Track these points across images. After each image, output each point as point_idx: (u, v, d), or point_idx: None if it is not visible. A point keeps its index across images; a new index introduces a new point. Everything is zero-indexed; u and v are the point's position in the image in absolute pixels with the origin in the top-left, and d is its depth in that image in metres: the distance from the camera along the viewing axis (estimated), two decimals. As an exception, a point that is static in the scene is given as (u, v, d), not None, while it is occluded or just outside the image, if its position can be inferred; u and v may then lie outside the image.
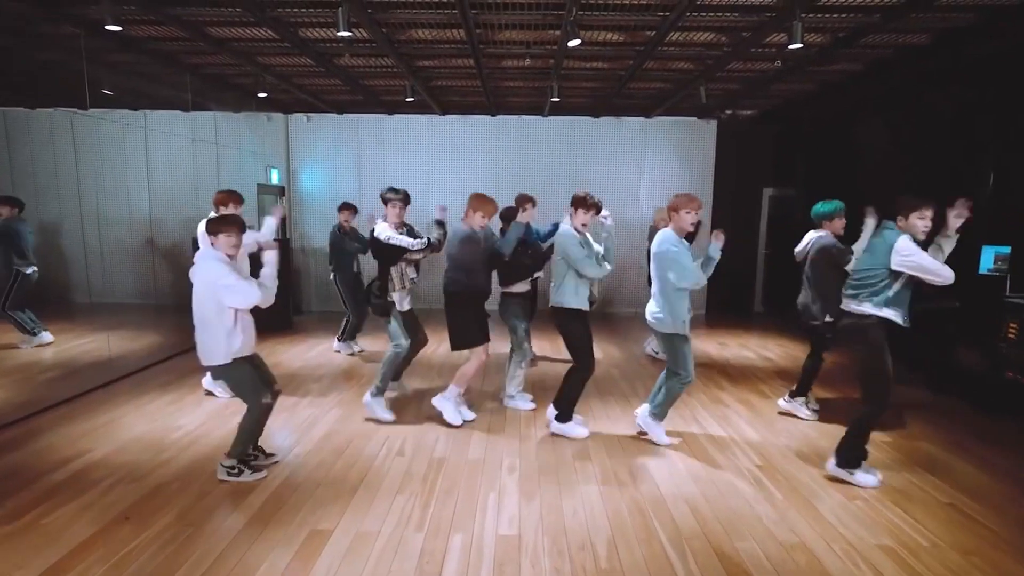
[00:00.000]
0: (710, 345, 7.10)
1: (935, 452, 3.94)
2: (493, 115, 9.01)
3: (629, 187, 9.18)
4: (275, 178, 8.92)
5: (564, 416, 4.09)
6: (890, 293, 3.27)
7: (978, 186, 5.17)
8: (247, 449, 3.52)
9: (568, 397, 4.07)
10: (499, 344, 4.96)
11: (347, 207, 6.19)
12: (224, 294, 3.24)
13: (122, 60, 6.19)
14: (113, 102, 8.51)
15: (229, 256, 3.33)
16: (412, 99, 6.95)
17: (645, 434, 4.08)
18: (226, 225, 3.32)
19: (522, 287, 4.65)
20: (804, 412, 4.53)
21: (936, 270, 3.17)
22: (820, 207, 4.49)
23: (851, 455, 3.44)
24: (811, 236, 4.55)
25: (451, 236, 4.20)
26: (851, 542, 2.85)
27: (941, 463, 3.77)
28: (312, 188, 9.27)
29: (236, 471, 3.44)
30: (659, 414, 4.00)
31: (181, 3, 4.62)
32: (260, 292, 3.28)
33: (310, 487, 3.34)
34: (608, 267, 3.99)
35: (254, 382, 3.43)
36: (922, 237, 3.28)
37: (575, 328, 3.95)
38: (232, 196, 4.58)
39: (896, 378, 3.36)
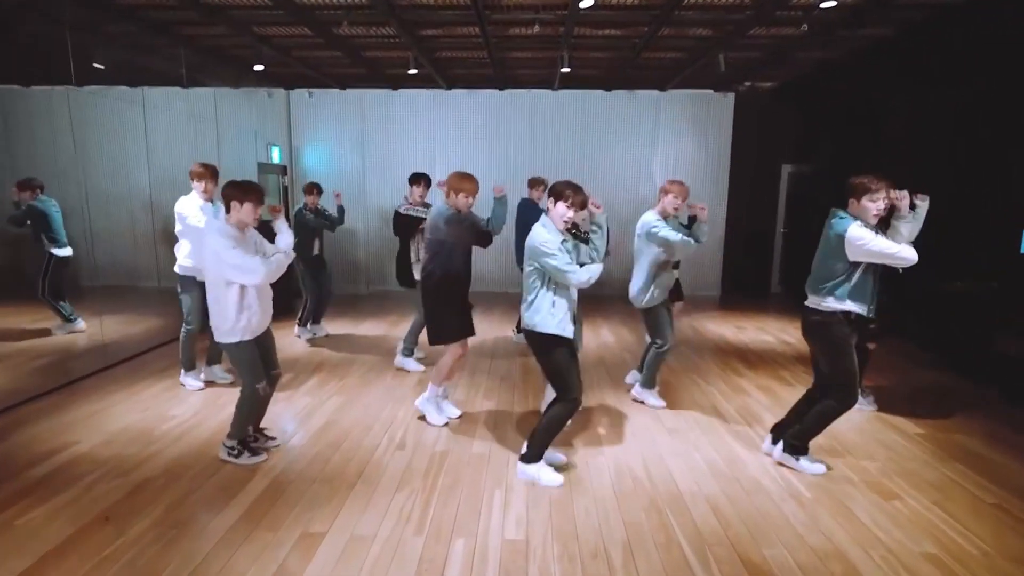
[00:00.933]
0: (727, 328, 6.82)
1: (974, 446, 3.67)
2: (501, 89, 8.65)
3: (642, 163, 8.82)
4: (276, 156, 8.65)
5: (533, 456, 3.14)
6: (851, 284, 3.05)
7: (1018, 163, 4.81)
8: (245, 431, 3.38)
9: (544, 435, 3.13)
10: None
11: (313, 187, 6.07)
12: (227, 271, 3.06)
13: (114, 32, 5.91)
14: (108, 78, 8.26)
15: (245, 227, 3.18)
16: (415, 71, 6.62)
17: (642, 402, 4.31)
18: (252, 194, 3.14)
19: None
20: (868, 405, 4.24)
21: (896, 253, 2.96)
22: None
23: (801, 443, 3.33)
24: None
25: (433, 218, 3.73)
26: (891, 548, 2.60)
27: (982, 458, 3.50)
28: (315, 166, 9.00)
29: (236, 451, 3.32)
30: (646, 382, 4.29)
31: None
32: (264, 269, 3.09)
33: (304, 484, 3.13)
34: (596, 269, 3.03)
35: (254, 367, 3.27)
36: (873, 221, 3.05)
37: (555, 357, 3.04)
38: (208, 170, 4.33)
39: (924, 364, 3.10)
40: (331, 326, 6.69)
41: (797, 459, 3.32)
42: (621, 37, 5.98)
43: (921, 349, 5.68)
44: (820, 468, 3.29)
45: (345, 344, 6.00)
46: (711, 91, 8.61)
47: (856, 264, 3.03)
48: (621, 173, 8.86)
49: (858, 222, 3.02)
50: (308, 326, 6.17)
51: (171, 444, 3.60)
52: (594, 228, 3.22)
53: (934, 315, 5.55)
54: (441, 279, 3.68)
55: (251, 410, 3.34)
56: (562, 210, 3.00)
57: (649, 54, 6.62)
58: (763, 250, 9.04)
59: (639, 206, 8.92)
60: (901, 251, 2.96)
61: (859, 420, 4.02)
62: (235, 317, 3.14)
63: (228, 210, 3.14)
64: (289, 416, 4.06)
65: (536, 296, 3.04)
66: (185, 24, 5.76)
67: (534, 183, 5.82)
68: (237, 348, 3.22)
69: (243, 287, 3.13)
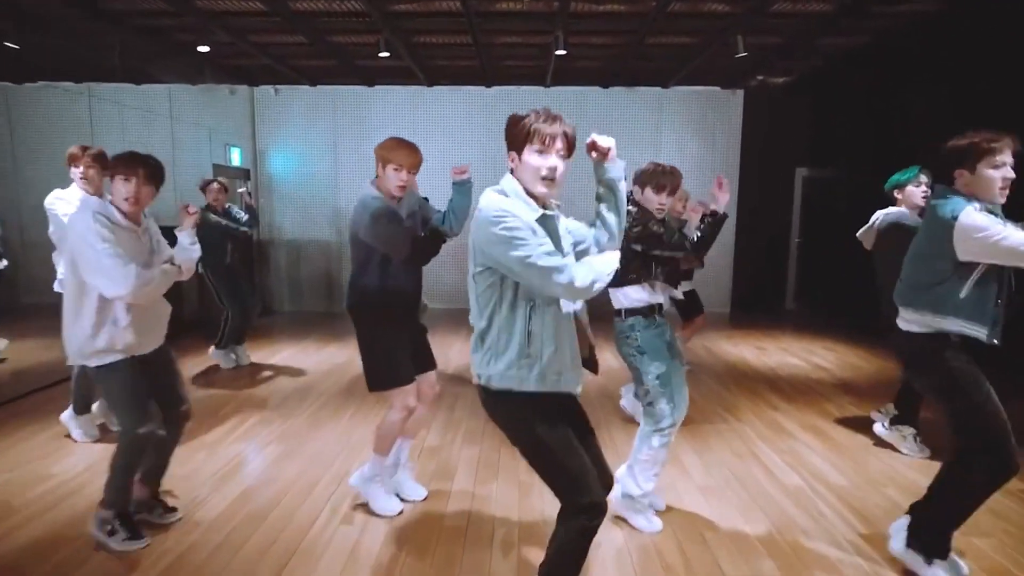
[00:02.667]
0: (746, 350, 5.96)
1: (1104, 508, 2.81)
2: (488, 86, 7.85)
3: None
4: (237, 159, 7.76)
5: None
6: (962, 294, 2.08)
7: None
8: (125, 496, 2.43)
9: None
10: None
11: (214, 183, 5.04)
12: (85, 270, 2.20)
13: (25, 6, 5.03)
14: (54, 74, 7.39)
15: (122, 212, 2.30)
16: (387, 54, 5.78)
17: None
18: (126, 166, 2.27)
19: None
20: (907, 447, 3.38)
21: None
22: (894, 176, 3.38)
23: (936, 538, 2.16)
24: (879, 214, 3.43)
25: (356, 212, 2.53)
26: None
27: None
28: (282, 170, 8.12)
29: (110, 528, 2.38)
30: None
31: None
32: (133, 282, 2.18)
33: (211, 572, 2.21)
34: (609, 261, 1.68)
35: (134, 399, 2.34)
36: (1001, 198, 2.09)
37: (538, 434, 1.70)
38: (87, 152, 3.31)
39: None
40: (291, 349, 5.77)
41: (930, 562, 2.16)
42: (624, 14, 5.19)
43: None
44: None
45: (302, 373, 5.06)
46: (718, 88, 7.86)
47: (970, 266, 2.05)
48: (620, 178, 8.05)
49: (975, 204, 2.04)
50: (227, 348, 5.10)
51: (40, 515, 2.65)
52: (602, 189, 1.86)
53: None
54: (376, 302, 2.55)
55: (130, 464, 2.40)
56: (535, 160, 1.66)
57: (655, 39, 5.84)
58: (776, 262, 8.23)
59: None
60: None
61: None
62: (91, 332, 2.25)
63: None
64: (209, 472, 3.12)
65: (491, 324, 1.69)
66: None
67: None
68: (103, 374, 2.32)
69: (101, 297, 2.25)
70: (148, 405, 2.39)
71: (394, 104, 7.98)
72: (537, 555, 2.40)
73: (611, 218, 1.84)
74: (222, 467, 3.18)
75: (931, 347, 2.16)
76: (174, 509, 2.64)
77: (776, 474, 3.14)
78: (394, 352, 2.57)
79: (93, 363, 2.31)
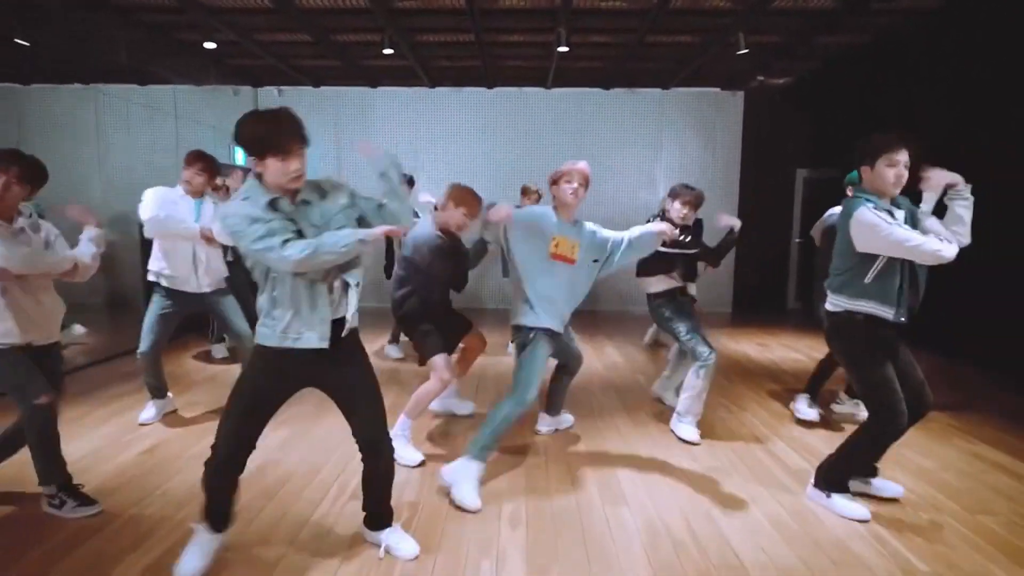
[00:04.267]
0: (748, 346, 5.98)
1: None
2: (490, 87, 7.93)
3: (644, 168, 8.09)
4: (240, 158, 7.81)
5: None
6: (866, 281, 2.37)
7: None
8: (55, 467, 2.49)
9: None
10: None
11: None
12: None
13: (42, 4, 5.09)
14: (63, 76, 7.46)
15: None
16: (390, 51, 5.85)
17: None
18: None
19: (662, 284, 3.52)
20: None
21: (918, 246, 2.22)
22: (850, 174, 3.47)
23: (833, 475, 2.58)
24: (832, 211, 3.51)
25: (417, 238, 3.11)
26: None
27: None
28: (285, 171, 8.17)
29: (57, 501, 2.46)
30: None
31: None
32: None
33: (229, 539, 2.21)
34: (323, 244, 1.88)
35: (24, 376, 2.38)
36: (894, 191, 2.37)
37: (246, 377, 2.09)
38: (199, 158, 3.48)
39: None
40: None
41: (828, 495, 2.56)
42: (627, 11, 5.26)
43: (976, 366, 4.88)
44: (860, 512, 2.49)
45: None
46: (718, 90, 7.94)
47: (871, 256, 2.35)
48: (621, 179, 8.11)
49: (870, 203, 2.32)
50: (222, 342, 5.27)
51: (24, 511, 2.63)
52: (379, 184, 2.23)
53: (994, 327, 4.76)
54: (417, 307, 3.15)
55: (42, 437, 2.45)
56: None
57: (656, 37, 5.92)
58: (778, 263, 8.27)
59: (639, 215, 8.17)
60: (925, 244, 2.21)
61: (954, 459, 3.16)
62: None
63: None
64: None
65: (261, 291, 1.99)
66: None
67: (527, 191, 5.24)
68: None
69: None
70: (38, 379, 2.40)
71: (397, 106, 8.06)
72: (541, 527, 2.43)
73: (390, 205, 2.19)
74: (228, 451, 3.19)
75: (840, 323, 2.47)
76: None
77: (779, 456, 3.16)
78: (432, 334, 3.13)
79: None
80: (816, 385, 3.76)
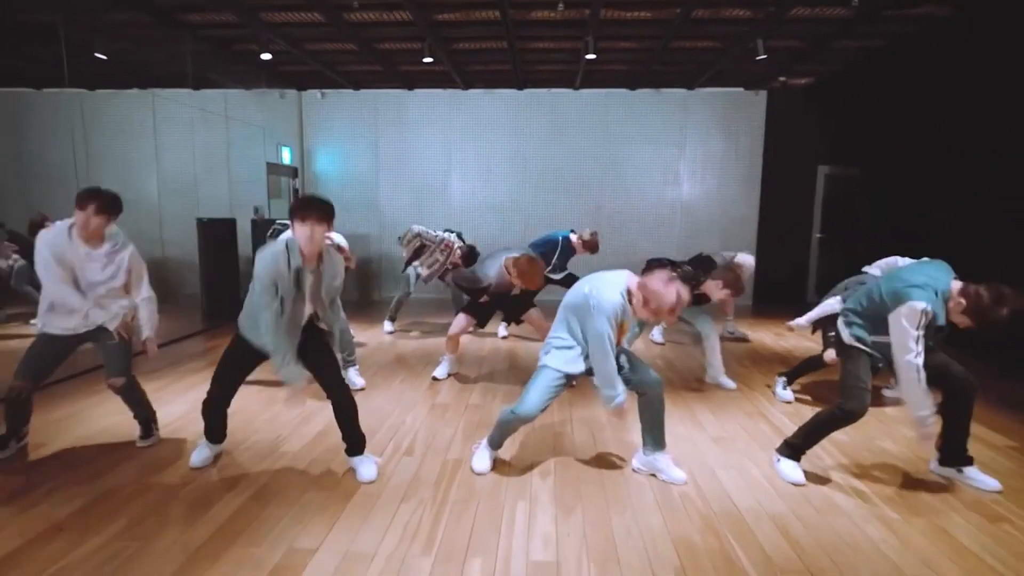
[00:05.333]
0: (766, 336, 6.29)
1: (1081, 461, 3.12)
2: (520, 88, 8.32)
3: (669, 165, 8.40)
4: (287, 157, 8.38)
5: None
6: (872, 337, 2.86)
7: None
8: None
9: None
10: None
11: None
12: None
13: (117, 21, 5.66)
14: (121, 81, 8.09)
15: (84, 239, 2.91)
16: (430, 59, 6.29)
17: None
18: (80, 200, 2.86)
19: None
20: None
21: (906, 360, 2.61)
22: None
23: (794, 444, 2.94)
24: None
25: (484, 269, 4.32)
26: (1014, 583, 2.08)
27: (1094, 475, 2.95)
28: (327, 169, 8.71)
29: None
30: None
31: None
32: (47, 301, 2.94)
33: (294, 494, 2.69)
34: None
35: (29, 359, 2.95)
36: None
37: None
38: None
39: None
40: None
41: (778, 460, 2.95)
42: (651, 20, 5.60)
43: (988, 360, 5.12)
44: (797, 477, 2.84)
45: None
46: (742, 89, 8.19)
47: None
48: (646, 176, 8.44)
49: (928, 305, 2.57)
50: None
51: (145, 451, 3.17)
52: None
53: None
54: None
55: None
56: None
57: (679, 43, 6.24)
58: (799, 257, 8.50)
59: (664, 211, 8.50)
60: (911, 371, 2.60)
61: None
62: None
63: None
64: (286, 419, 3.63)
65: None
66: (190, 10, 5.50)
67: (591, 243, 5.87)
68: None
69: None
70: (37, 369, 2.97)
71: (432, 106, 8.51)
72: (567, 478, 2.84)
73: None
74: (292, 418, 3.68)
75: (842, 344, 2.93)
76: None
77: (781, 429, 3.51)
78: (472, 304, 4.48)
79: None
80: (797, 374, 4.20)
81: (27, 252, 5.83)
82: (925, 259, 2.92)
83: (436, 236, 5.40)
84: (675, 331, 6.22)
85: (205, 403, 2.93)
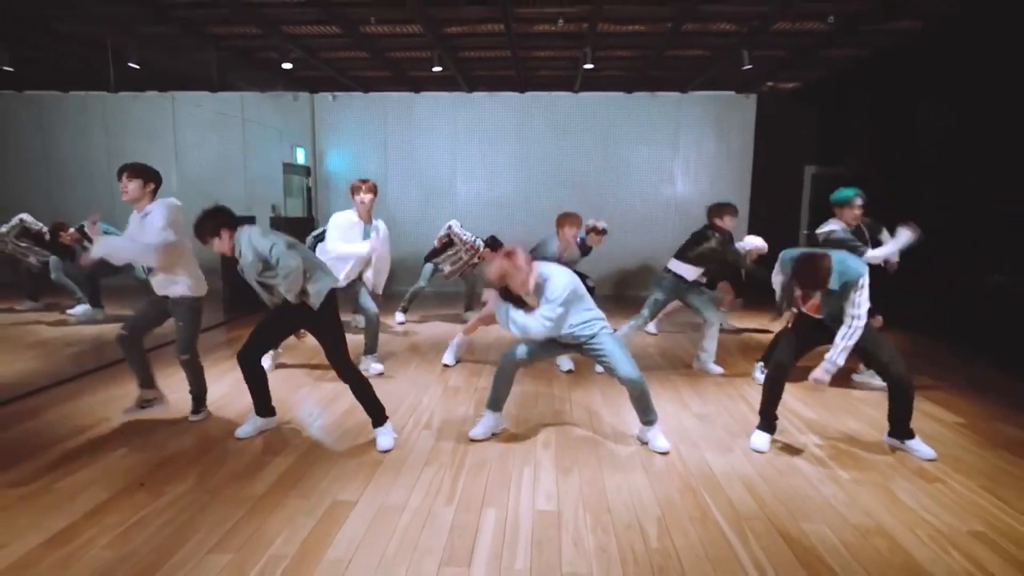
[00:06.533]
0: (750, 325, 6.73)
1: (1019, 435, 3.55)
2: (522, 91, 8.73)
3: (663, 165, 8.81)
4: (301, 157, 8.79)
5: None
6: None
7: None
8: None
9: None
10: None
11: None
12: None
13: (147, 34, 6.06)
14: (141, 84, 8.49)
15: None
16: (439, 68, 6.70)
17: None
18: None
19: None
20: (866, 378, 4.37)
21: None
22: (837, 193, 4.33)
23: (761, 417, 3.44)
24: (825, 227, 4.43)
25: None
26: (937, 528, 2.52)
27: (1026, 446, 3.39)
28: (338, 168, 9.13)
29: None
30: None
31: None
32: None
33: (333, 458, 3.13)
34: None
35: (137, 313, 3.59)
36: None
37: None
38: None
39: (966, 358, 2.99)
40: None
41: (753, 432, 3.43)
42: (645, 33, 6.01)
43: (961, 343, 5.56)
44: (759, 444, 3.31)
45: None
46: (732, 93, 8.60)
47: None
48: (642, 174, 8.86)
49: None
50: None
51: (200, 421, 3.62)
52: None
53: (974, 309, 5.44)
54: None
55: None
56: None
57: (672, 53, 6.64)
58: (786, 253, 8.93)
59: (659, 208, 8.91)
60: None
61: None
62: None
63: None
64: (314, 400, 4.07)
65: None
66: (217, 23, 5.90)
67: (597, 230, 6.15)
68: None
69: None
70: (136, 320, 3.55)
71: (438, 108, 8.91)
72: (566, 447, 3.28)
73: None
74: (323, 397, 4.12)
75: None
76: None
77: (756, 407, 3.94)
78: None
79: None
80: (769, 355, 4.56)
81: (42, 244, 6.28)
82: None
83: (466, 237, 5.86)
84: (669, 323, 6.64)
85: (243, 366, 3.31)
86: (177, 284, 3.48)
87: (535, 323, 3.11)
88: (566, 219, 4.64)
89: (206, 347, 5.46)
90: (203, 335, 5.95)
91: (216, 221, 3.23)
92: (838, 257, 3.08)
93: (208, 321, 6.50)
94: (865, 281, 3.07)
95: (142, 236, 3.38)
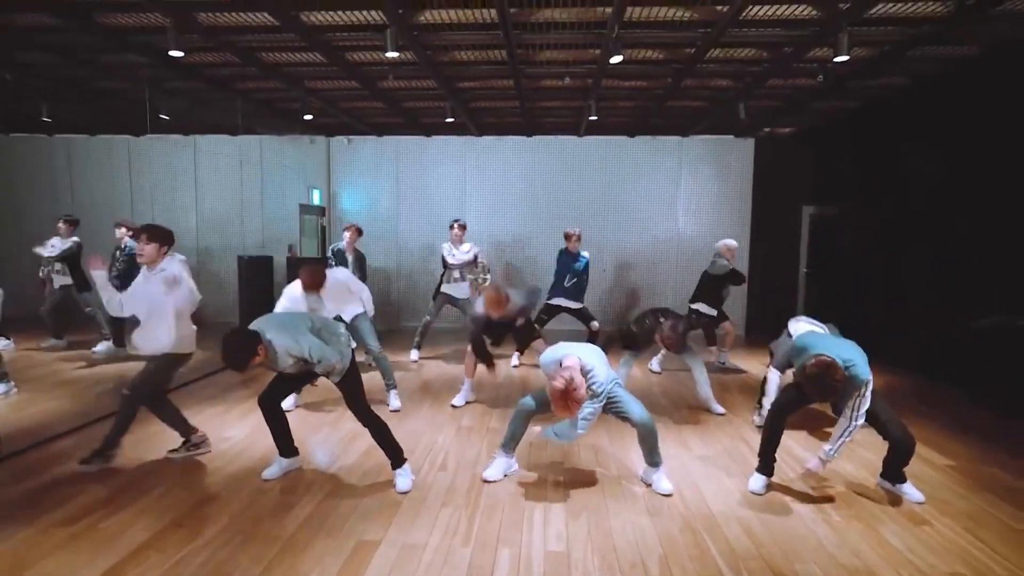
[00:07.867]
0: (753, 365, 6.92)
1: (1006, 478, 3.73)
2: (529, 135, 9.11)
3: (665, 206, 9.13)
4: (316, 198, 9.15)
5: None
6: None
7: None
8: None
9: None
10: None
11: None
12: None
13: (180, 87, 6.48)
14: (165, 127, 8.92)
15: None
16: (452, 119, 7.08)
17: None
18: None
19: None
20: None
21: None
22: None
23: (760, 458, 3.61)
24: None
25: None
26: (920, 568, 2.70)
27: (1015, 490, 3.56)
28: (352, 209, 9.47)
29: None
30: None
31: (238, 31, 4.84)
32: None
33: (355, 498, 3.34)
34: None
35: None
36: None
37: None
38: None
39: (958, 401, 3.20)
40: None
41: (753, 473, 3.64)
42: (646, 88, 6.37)
43: (951, 384, 5.73)
44: (755, 486, 3.49)
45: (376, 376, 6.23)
46: (731, 137, 8.95)
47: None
48: (644, 214, 9.17)
49: None
50: None
51: (229, 462, 3.84)
52: None
53: (963, 350, 5.63)
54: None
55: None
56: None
57: (672, 103, 7.00)
58: (787, 290, 9.16)
59: (660, 247, 9.20)
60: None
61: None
62: None
63: None
64: (335, 441, 4.28)
65: None
66: (243, 79, 6.30)
67: (570, 236, 6.40)
68: None
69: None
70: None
71: (448, 151, 9.29)
72: (575, 489, 3.47)
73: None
74: (342, 437, 4.34)
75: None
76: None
77: (756, 449, 4.14)
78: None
79: None
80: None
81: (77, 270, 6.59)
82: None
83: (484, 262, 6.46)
84: (672, 360, 6.84)
85: (265, 412, 3.56)
86: (160, 340, 3.71)
87: (582, 427, 3.33)
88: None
89: (223, 388, 5.69)
90: (219, 377, 6.20)
91: (249, 343, 3.15)
92: (848, 360, 3.19)
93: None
94: (869, 388, 3.23)
95: (154, 291, 3.65)
